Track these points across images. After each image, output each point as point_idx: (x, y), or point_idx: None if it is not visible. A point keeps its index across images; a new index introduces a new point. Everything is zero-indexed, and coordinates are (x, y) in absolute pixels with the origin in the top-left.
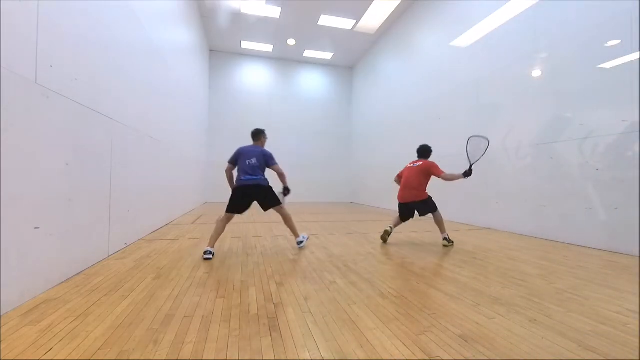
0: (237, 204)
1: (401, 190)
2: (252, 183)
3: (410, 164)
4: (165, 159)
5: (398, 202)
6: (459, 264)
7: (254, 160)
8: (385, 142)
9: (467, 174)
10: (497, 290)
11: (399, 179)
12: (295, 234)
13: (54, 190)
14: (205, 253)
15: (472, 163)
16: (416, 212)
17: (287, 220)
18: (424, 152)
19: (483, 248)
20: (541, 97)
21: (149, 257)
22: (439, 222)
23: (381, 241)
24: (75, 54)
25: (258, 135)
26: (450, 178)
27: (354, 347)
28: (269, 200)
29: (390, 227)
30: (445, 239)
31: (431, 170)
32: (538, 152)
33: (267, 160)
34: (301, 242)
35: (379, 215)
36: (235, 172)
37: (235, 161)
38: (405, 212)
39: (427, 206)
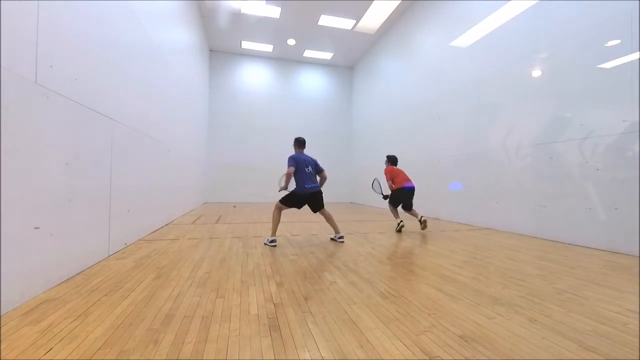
0: (297, 204)
1: (406, 181)
2: (316, 190)
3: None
4: (165, 159)
5: (402, 188)
6: (459, 264)
7: (310, 168)
8: (385, 142)
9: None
10: (497, 290)
11: (392, 180)
12: (336, 230)
13: (54, 190)
14: (271, 242)
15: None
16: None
17: (330, 219)
18: (396, 160)
19: (483, 248)
20: (541, 97)
21: (149, 257)
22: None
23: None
24: (75, 54)
25: (305, 143)
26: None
27: (354, 347)
28: (321, 204)
29: (400, 222)
30: (421, 218)
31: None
32: (538, 152)
33: (317, 166)
34: (342, 237)
35: (379, 215)
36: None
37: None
38: (409, 195)
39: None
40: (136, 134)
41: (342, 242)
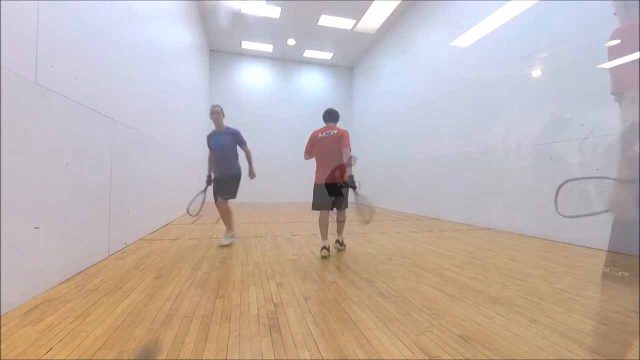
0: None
1: (321, 169)
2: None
3: (320, 132)
4: (165, 159)
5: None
6: (459, 264)
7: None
8: (385, 142)
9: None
10: (497, 290)
11: (309, 154)
12: (229, 227)
13: (54, 190)
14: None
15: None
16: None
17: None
18: (332, 115)
19: (483, 248)
20: (541, 97)
21: (149, 257)
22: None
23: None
24: (75, 54)
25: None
26: (347, 162)
27: (354, 347)
28: (225, 188)
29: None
30: (337, 241)
31: (342, 141)
32: (538, 152)
33: (237, 141)
34: (228, 239)
35: (378, 215)
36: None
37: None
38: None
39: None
40: (136, 134)
41: (224, 245)
